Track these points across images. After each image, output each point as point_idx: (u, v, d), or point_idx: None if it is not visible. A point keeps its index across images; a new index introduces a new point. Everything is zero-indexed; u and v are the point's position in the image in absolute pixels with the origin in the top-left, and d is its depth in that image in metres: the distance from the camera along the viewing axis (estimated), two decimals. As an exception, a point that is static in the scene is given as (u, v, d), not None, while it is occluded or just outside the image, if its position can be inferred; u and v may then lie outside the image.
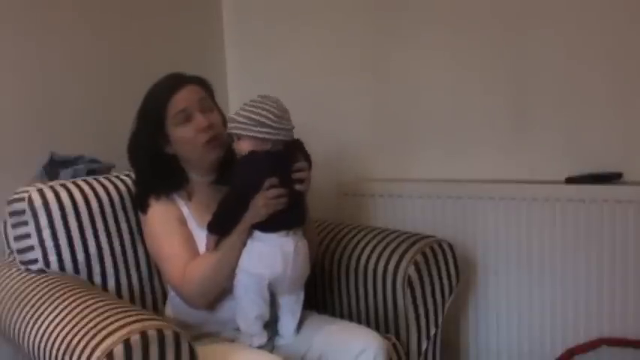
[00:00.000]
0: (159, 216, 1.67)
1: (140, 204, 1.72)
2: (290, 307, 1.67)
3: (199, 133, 1.65)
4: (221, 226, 1.59)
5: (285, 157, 1.60)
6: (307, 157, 1.65)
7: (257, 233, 1.59)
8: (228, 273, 1.59)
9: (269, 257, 1.58)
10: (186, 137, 1.66)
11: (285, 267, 1.59)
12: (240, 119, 1.57)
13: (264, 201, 1.55)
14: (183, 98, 1.65)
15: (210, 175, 1.72)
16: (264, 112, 1.56)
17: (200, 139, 1.65)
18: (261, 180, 1.56)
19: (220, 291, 1.62)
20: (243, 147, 1.58)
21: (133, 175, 1.78)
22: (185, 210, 1.69)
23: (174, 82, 1.68)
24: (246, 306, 1.60)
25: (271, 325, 1.66)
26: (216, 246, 1.59)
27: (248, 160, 1.58)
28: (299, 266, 1.63)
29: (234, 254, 1.59)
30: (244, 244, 1.59)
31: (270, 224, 1.58)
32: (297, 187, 1.60)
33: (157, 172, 1.69)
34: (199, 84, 1.71)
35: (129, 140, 1.70)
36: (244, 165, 1.59)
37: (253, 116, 1.55)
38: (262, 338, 1.61)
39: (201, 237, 1.64)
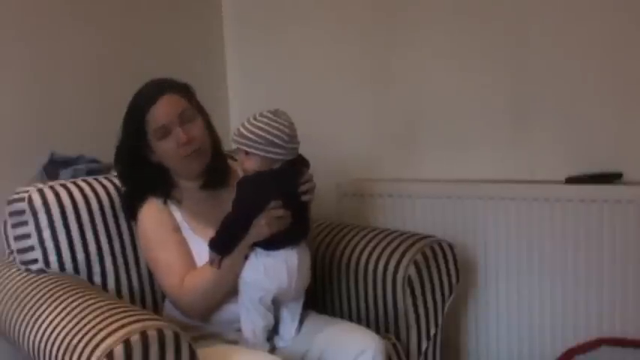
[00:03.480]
0: (151, 223, 1.66)
1: (130, 212, 1.72)
2: (291, 310, 1.67)
3: (179, 148, 1.63)
4: (223, 246, 1.57)
5: (291, 174, 1.57)
6: (307, 166, 1.63)
7: (260, 249, 1.59)
8: (227, 288, 1.60)
9: (275, 272, 1.58)
10: (167, 151, 1.64)
11: (290, 280, 1.59)
12: (252, 137, 1.52)
13: (268, 220, 1.54)
14: (161, 113, 1.62)
15: (197, 180, 1.71)
16: (277, 132, 1.52)
17: (181, 153, 1.64)
18: (265, 202, 1.54)
19: (218, 304, 1.62)
20: (250, 165, 1.56)
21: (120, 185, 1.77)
22: (178, 216, 1.68)
23: (152, 94, 1.63)
24: (254, 319, 1.59)
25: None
26: (220, 265, 1.58)
27: (253, 181, 1.56)
28: (303, 276, 1.64)
29: (235, 270, 1.58)
30: (245, 259, 1.59)
31: (273, 242, 1.57)
32: (303, 197, 1.59)
33: (144, 179, 1.68)
34: (179, 92, 1.67)
35: (116, 148, 1.69)
36: (249, 187, 1.57)
37: (265, 135, 1.52)
38: (264, 348, 1.61)
39: (195, 242, 1.65)
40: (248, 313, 1.59)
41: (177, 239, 1.65)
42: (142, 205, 1.68)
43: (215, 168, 1.72)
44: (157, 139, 1.64)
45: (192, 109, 1.68)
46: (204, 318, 1.64)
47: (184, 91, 1.69)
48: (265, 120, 1.53)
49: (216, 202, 1.65)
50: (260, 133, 1.52)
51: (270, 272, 1.57)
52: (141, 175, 1.69)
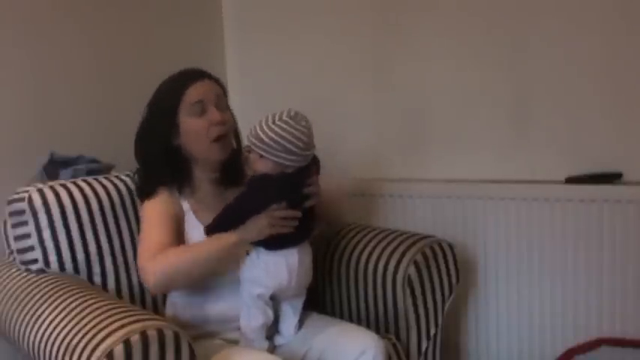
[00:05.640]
0: (155, 206, 1.65)
1: (144, 192, 1.70)
2: (292, 305, 1.68)
3: (211, 127, 1.63)
4: (214, 231, 1.58)
5: (299, 178, 1.57)
6: (318, 166, 1.62)
7: (262, 248, 1.59)
8: (197, 276, 1.57)
9: (275, 269, 1.58)
10: (197, 129, 1.64)
11: (290, 278, 1.60)
12: (269, 142, 1.50)
13: (270, 220, 1.54)
14: (201, 89, 1.65)
15: (213, 173, 1.71)
16: (294, 140, 1.50)
17: (211, 133, 1.63)
18: (262, 206, 1.54)
19: (182, 286, 1.62)
20: (262, 167, 1.55)
21: (137, 167, 1.75)
22: (185, 205, 1.68)
23: (193, 74, 1.67)
24: (253, 315, 1.60)
25: (271, 324, 1.66)
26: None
27: (260, 183, 1.55)
28: (303, 275, 1.64)
29: (215, 264, 1.57)
30: (236, 257, 1.59)
31: (275, 243, 1.57)
32: (307, 202, 1.59)
33: (163, 162, 1.66)
34: (217, 82, 1.71)
35: (137, 130, 1.69)
36: (254, 187, 1.56)
37: (282, 142, 1.50)
38: (263, 345, 1.61)
39: (197, 232, 1.63)
40: (248, 309, 1.60)
41: (171, 226, 1.62)
42: (157, 185, 1.67)
43: (232, 165, 1.72)
44: (190, 116, 1.63)
45: (226, 101, 1.72)
46: (161, 292, 1.67)
47: (220, 84, 1.73)
48: (284, 126, 1.51)
49: (226, 200, 1.64)
50: (278, 139, 1.50)
51: (270, 270, 1.58)
52: (160, 157, 1.66)
